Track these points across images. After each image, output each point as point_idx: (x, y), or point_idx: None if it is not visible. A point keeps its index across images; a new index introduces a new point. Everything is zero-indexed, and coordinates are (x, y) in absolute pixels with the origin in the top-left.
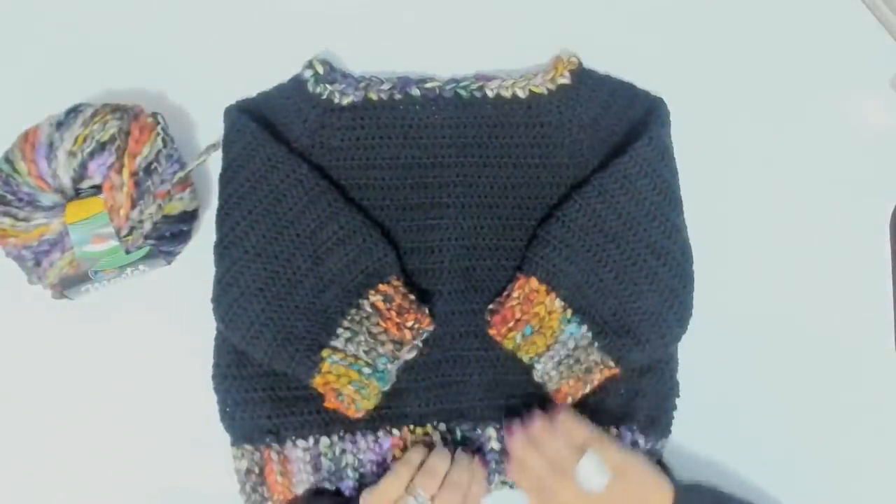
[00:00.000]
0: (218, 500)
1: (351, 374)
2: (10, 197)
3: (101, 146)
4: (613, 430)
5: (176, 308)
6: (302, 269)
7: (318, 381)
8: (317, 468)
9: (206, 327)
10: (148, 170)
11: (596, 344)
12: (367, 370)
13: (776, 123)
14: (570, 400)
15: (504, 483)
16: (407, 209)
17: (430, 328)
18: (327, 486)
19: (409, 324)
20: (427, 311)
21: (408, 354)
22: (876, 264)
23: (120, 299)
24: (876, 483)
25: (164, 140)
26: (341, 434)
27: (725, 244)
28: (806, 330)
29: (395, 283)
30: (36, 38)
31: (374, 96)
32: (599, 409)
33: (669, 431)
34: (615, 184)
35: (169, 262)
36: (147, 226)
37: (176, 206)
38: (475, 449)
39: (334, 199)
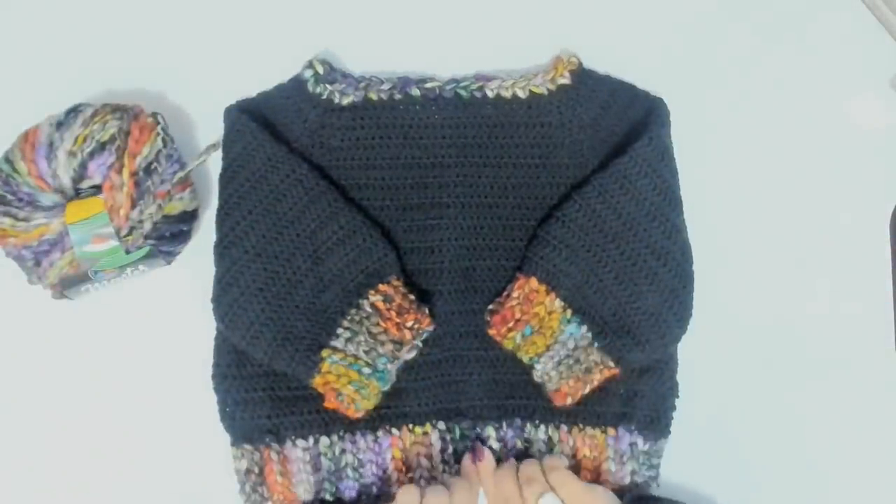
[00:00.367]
0: (218, 500)
1: (351, 374)
2: (10, 197)
3: (101, 146)
4: (612, 431)
5: (176, 308)
6: (302, 269)
7: (317, 381)
8: (316, 468)
9: (206, 327)
10: (148, 170)
11: (596, 344)
12: (367, 370)
13: (776, 123)
14: (569, 400)
15: None
16: (407, 209)
17: (430, 328)
18: (327, 485)
19: (409, 324)
20: (427, 311)
21: (408, 354)
22: (876, 264)
23: (120, 299)
24: (876, 483)
25: (164, 140)
26: (341, 434)
27: (725, 244)
28: (806, 330)
29: (395, 283)
30: (36, 38)
31: (374, 96)
32: (599, 409)
33: (669, 432)
34: (615, 184)
35: (169, 262)
36: (147, 226)
37: (176, 206)
38: (474, 439)
39: (334, 199)
